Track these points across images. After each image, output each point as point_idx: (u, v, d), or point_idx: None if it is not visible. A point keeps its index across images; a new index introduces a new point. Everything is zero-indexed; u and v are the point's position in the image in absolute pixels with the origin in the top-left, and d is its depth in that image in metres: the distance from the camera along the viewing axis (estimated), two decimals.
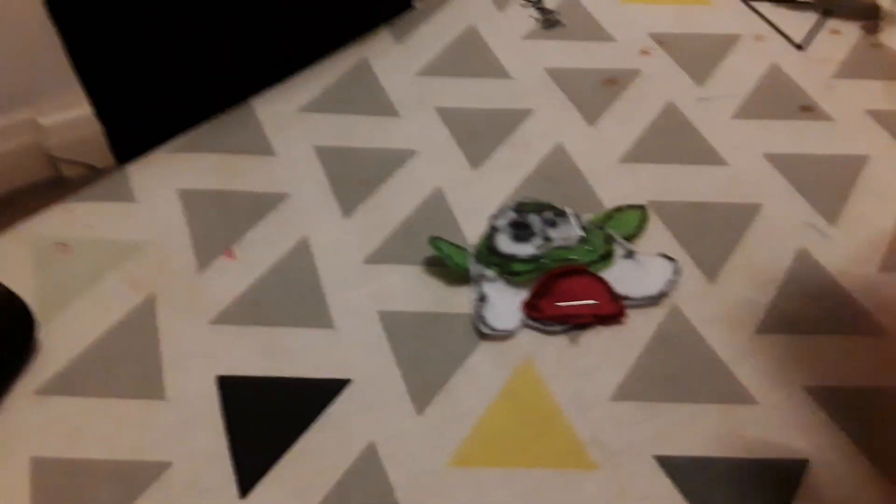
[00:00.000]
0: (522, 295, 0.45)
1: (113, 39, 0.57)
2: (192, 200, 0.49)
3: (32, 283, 0.44)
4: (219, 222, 0.48)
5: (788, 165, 0.52)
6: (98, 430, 0.39)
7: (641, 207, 0.49)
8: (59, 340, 0.42)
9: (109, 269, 0.45)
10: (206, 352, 0.42)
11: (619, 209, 0.49)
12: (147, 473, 0.38)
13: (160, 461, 0.38)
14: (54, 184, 1.55)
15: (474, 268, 0.46)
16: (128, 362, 0.42)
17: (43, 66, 1.37)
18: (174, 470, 0.38)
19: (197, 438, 0.39)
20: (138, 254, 0.46)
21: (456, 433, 0.39)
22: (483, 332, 0.43)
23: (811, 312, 0.44)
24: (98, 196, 0.49)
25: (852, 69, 0.59)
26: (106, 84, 0.60)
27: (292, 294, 0.45)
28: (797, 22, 0.64)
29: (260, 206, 0.49)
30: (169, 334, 0.43)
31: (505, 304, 0.44)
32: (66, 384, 0.41)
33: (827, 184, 0.50)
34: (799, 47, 0.62)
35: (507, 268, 0.45)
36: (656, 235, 0.48)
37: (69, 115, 1.46)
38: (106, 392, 0.40)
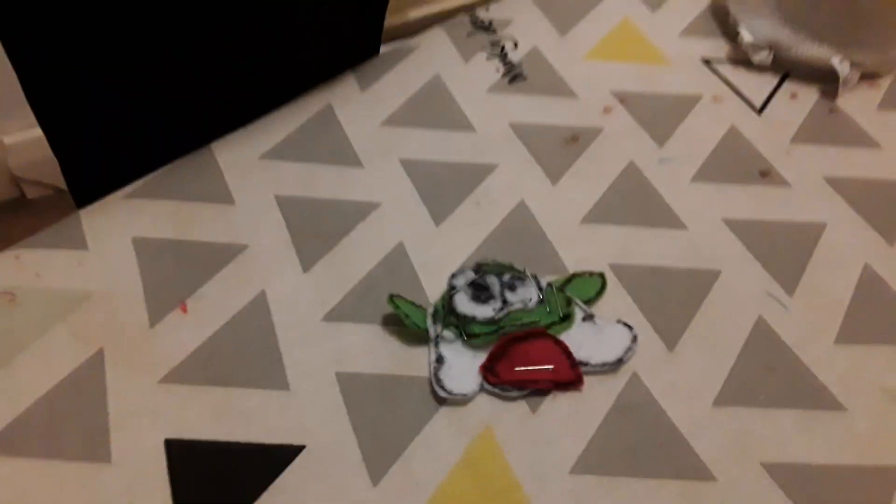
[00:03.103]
0: (480, 358, 0.44)
1: (69, 78, 0.55)
2: (147, 249, 0.48)
3: None
4: (173, 273, 0.47)
5: (747, 231, 0.52)
6: (39, 493, 0.37)
7: (601, 275, 0.49)
8: (1, 397, 0.40)
9: (57, 320, 0.44)
10: (155, 412, 0.41)
11: (578, 275, 0.49)
12: None
13: None
14: (17, 205, 1.50)
15: (432, 328, 0.45)
16: (74, 422, 0.40)
17: (8, 83, 1.33)
18: None
19: None
20: (88, 305, 0.45)
21: None
22: (440, 396, 0.43)
23: (768, 385, 0.44)
24: (48, 243, 0.48)
25: (810, 134, 0.60)
26: (63, 124, 0.59)
27: (247, 352, 0.44)
28: (755, 84, 0.66)
29: (217, 257, 0.48)
30: (117, 392, 0.41)
31: (462, 366, 0.44)
32: (8, 444, 0.39)
33: (785, 251, 0.51)
34: (757, 111, 0.63)
35: (466, 329, 0.45)
36: (616, 300, 0.48)
37: (33, 134, 1.42)
38: (49, 453, 0.39)
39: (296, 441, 0.40)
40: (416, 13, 1.55)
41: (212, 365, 0.43)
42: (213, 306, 0.46)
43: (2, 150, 1.43)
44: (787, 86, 0.66)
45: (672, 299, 0.48)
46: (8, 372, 0.42)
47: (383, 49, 0.66)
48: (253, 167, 0.54)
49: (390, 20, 0.69)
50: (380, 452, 0.40)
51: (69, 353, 0.43)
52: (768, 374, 0.45)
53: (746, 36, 0.67)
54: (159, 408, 0.41)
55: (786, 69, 0.67)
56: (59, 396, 0.41)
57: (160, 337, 0.44)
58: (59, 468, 0.38)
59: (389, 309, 0.46)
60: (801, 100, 0.64)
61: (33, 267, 0.46)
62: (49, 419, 0.40)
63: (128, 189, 0.52)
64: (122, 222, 0.49)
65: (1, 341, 0.43)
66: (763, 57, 0.66)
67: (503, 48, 0.66)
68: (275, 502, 0.38)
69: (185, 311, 0.45)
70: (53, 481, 0.38)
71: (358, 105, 0.60)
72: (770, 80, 0.66)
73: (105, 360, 0.42)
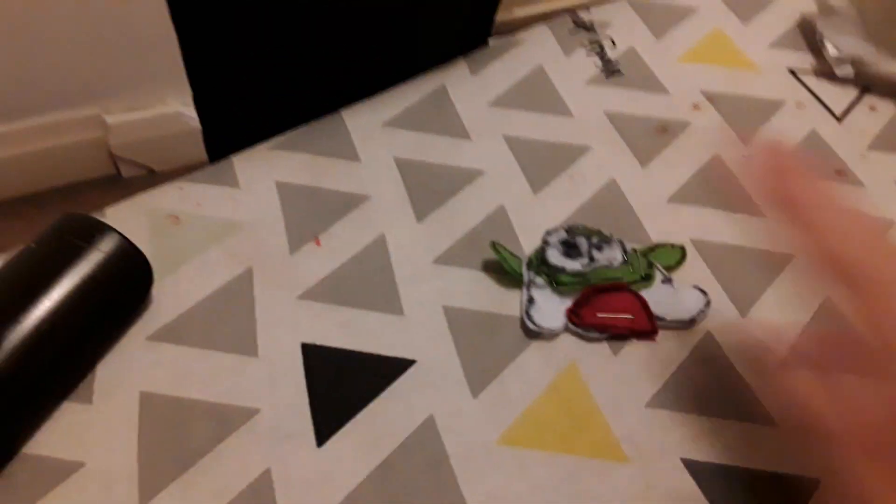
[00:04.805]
0: (567, 303, 0.50)
1: (224, 43, 0.64)
2: (287, 192, 0.56)
3: (148, 246, 0.50)
4: (309, 213, 0.55)
5: None
6: (199, 374, 0.45)
7: (682, 247, 0.54)
8: (169, 297, 0.49)
9: (214, 242, 0.52)
10: (294, 321, 0.48)
11: (660, 245, 0.55)
12: (239, 416, 0.44)
13: (250, 407, 0.44)
14: (112, 182, 1.62)
15: (526, 274, 0.52)
16: (227, 322, 0.48)
17: (115, 66, 1.45)
18: (262, 416, 0.44)
19: (282, 392, 0.45)
20: (239, 232, 0.53)
21: (505, 417, 0.45)
22: (530, 329, 0.49)
23: (830, 354, 0.49)
24: (206, 179, 0.56)
25: (885, 143, 0.65)
26: (211, 84, 0.68)
27: (369, 282, 0.51)
28: (837, 95, 0.70)
29: (345, 203, 0.56)
30: (263, 303, 0.49)
31: (551, 308, 0.50)
32: (173, 334, 0.47)
33: None
34: (837, 118, 0.68)
35: (555, 278, 0.51)
36: (694, 270, 0.53)
37: (135, 116, 1.54)
38: (207, 344, 0.47)
39: (408, 356, 0.47)
40: (521, 12, 1.64)
41: (340, 289, 0.50)
42: (342, 243, 0.53)
43: (104, 130, 1.55)
44: (868, 99, 0.70)
45: (747, 274, 0.53)
46: (174, 278, 0.50)
47: (492, 42, 0.73)
48: (376, 132, 0.62)
49: (499, 16, 0.76)
50: (479, 372, 0.47)
51: (223, 269, 0.51)
52: (831, 347, 0.49)
53: (832, 50, 0.72)
54: (297, 318, 0.48)
55: (867, 83, 0.71)
56: (216, 301, 0.49)
57: (298, 263, 0.51)
58: (215, 356, 0.46)
59: (490, 257, 0.52)
60: (879, 112, 0.68)
61: (194, 197, 0.55)
62: (207, 318, 0.48)
63: (271, 142, 0.60)
64: (267, 168, 0.57)
65: (168, 254, 0.51)
66: (846, 71, 0.71)
67: (602, 46, 0.72)
68: (391, 401, 0.45)
69: (318, 244, 0.53)
70: (210, 366, 0.46)
71: (468, 87, 0.67)
72: (851, 93, 0.70)
73: (253, 277, 0.50)
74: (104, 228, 0.47)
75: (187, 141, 1.53)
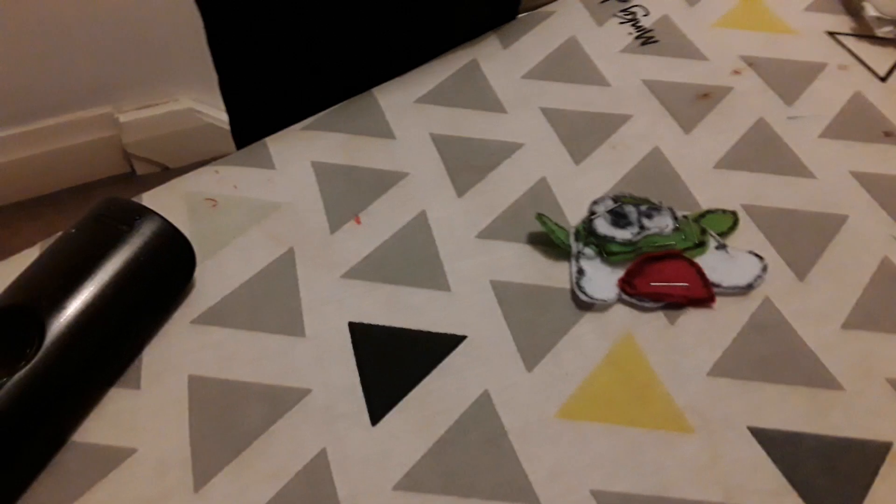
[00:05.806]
0: (618, 273, 0.49)
1: (251, 27, 0.63)
2: (324, 172, 0.55)
3: (187, 230, 0.49)
4: (347, 192, 0.53)
5: (872, 183, 0.55)
6: (247, 356, 0.44)
7: (734, 213, 0.53)
8: (211, 280, 0.48)
9: (253, 224, 0.51)
10: (339, 300, 0.47)
11: (711, 211, 0.53)
12: (290, 397, 0.43)
13: (302, 388, 0.43)
14: (126, 179, 1.63)
15: (574, 245, 0.50)
16: (272, 303, 0.47)
17: (127, 65, 1.45)
18: (314, 396, 0.43)
19: (333, 372, 0.44)
20: (278, 213, 0.52)
21: (562, 390, 0.44)
22: (581, 300, 0.47)
23: (893, 314, 0.47)
24: (241, 162, 0.55)
25: None
26: (239, 71, 0.67)
27: (412, 259, 0.50)
28: (879, 55, 0.68)
29: (383, 181, 0.54)
30: (306, 283, 0.48)
31: (602, 279, 0.49)
32: (218, 316, 0.46)
33: None
34: (882, 79, 0.66)
35: (604, 248, 0.49)
36: (748, 235, 0.52)
37: (147, 114, 1.54)
38: (253, 326, 0.46)
39: (458, 332, 0.46)
40: None
41: (383, 267, 0.49)
42: (382, 221, 0.52)
43: (117, 128, 1.55)
44: None
45: (802, 237, 0.51)
46: (215, 261, 0.49)
47: (522, 15, 0.71)
48: (409, 109, 0.60)
49: None
50: (532, 346, 0.45)
51: (265, 250, 0.50)
52: (893, 305, 0.47)
53: (871, 10, 0.69)
54: (342, 297, 0.47)
55: None
56: (259, 283, 0.48)
57: (339, 242, 0.50)
58: (262, 338, 0.45)
59: (535, 230, 0.51)
60: None
61: (231, 180, 0.54)
62: (252, 299, 0.47)
63: (304, 123, 0.58)
64: (302, 149, 0.56)
65: (208, 237, 0.50)
66: (888, 30, 0.68)
67: (634, 14, 0.70)
68: (443, 378, 0.44)
69: (358, 222, 0.52)
70: (257, 347, 0.45)
71: (500, 60, 0.65)
72: (893, 52, 0.68)
73: (295, 257, 0.49)
74: (145, 212, 0.46)
75: (200, 137, 1.53)
